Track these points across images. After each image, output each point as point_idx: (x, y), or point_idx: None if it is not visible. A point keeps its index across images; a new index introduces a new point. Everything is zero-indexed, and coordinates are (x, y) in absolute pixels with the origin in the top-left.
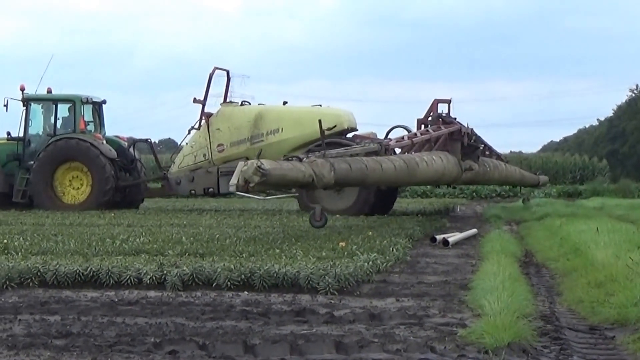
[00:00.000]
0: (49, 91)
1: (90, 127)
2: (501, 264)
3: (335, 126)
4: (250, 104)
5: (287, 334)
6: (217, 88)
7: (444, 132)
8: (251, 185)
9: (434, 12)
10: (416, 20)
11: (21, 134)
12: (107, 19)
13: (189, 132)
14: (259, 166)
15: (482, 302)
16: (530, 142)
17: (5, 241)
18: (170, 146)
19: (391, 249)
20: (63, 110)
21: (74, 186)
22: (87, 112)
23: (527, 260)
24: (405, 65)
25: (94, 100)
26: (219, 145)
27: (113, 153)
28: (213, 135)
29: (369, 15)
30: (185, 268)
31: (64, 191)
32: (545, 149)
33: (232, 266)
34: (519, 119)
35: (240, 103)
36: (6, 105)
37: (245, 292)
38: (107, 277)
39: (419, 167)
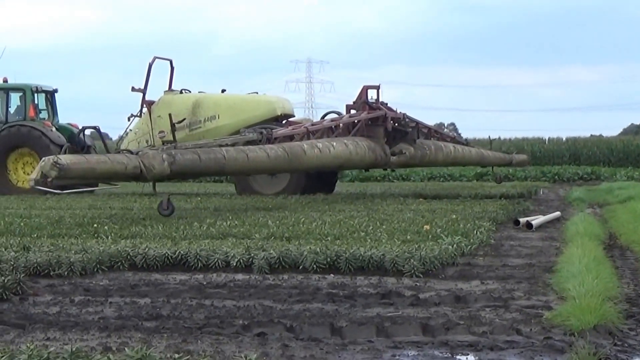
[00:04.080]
0: (5, 81)
1: (43, 114)
2: (585, 246)
3: (184, 119)
4: (190, 92)
5: (373, 316)
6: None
7: (356, 119)
8: (49, 179)
9: None
10: (495, 4)
11: None
12: (187, 7)
13: (129, 120)
14: (55, 161)
15: (567, 285)
16: (611, 126)
17: (95, 225)
18: None
19: (475, 232)
20: (15, 99)
21: (26, 171)
22: (41, 101)
23: (611, 243)
24: (484, 50)
25: (45, 89)
26: (160, 132)
27: (62, 139)
28: (155, 122)
29: (447, 1)
30: (272, 251)
31: (17, 176)
32: (626, 132)
33: (318, 249)
34: (599, 102)
35: (180, 91)
36: None
37: (331, 275)
38: (196, 260)
39: (307, 154)
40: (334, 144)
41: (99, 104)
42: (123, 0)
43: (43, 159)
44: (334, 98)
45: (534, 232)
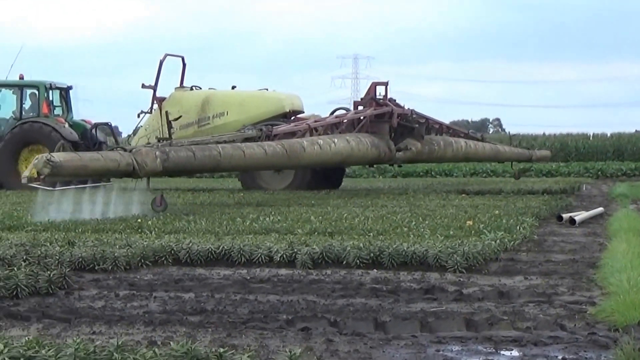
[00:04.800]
0: (21, 77)
1: (58, 111)
2: (629, 242)
3: (180, 116)
4: (201, 88)
5: (417, 311)
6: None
7: (361, 115)
8: (42, 177)
9: None
10: (541, 0)
11: None
12: (233, 2)
13: (139, 116)
14: (48, 159)
15: (611, 280)
16: None
17: (139, 220)
18: None
19: (518, 227)
20: (30, 96)
21: None
22: (55, 98)
23: None
24: (529, 46)
25: (59, 86)
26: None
27: (74, 136)
28: (165, 118)
29: None
30: (315, 246)
31: None
32: None
33: (361, 245)
34: None
35: (190, 88)
36: None
37: (375, 270)
38: (239, 255)
39: (306, 151)
40: (336, 140)
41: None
42: None
43: (37, 156)
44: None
45: (577, 228)
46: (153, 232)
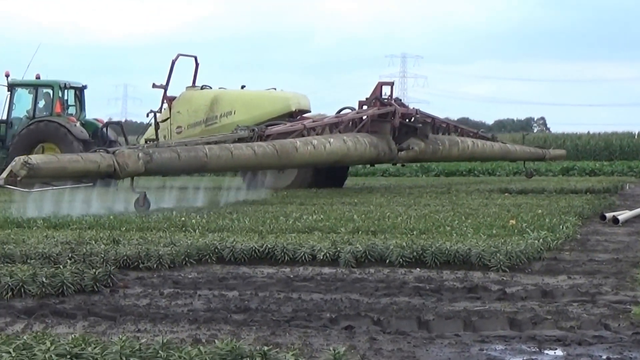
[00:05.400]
0: (38, 77)
1: (72, 110)
2: None
3: (168, 118)
4: (211, 88)
5: (460, 310)
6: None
7: (363, 115)
8: (19, 178)
9: None
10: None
11: (5, 117)
12: (285, 1)
13: (147, 116)
14: (25, 161)
15: None
16: None
17: (183, 219)
18: None
19: (561, 226)
20: (44, 95)
21: None
22: (70, 97)
23: None
24: (575, 45)
25: (73, 85)
26: (177, 127)
27: (85, 135)
28: (174, 117)
29: None
30: (358, 245)
31: None
32: None
33: (403, 243)
34: None
35: (200, 87)
36: None
37: (417, 269)
38: (282, 254)
39: (299, 151)
40: (331, 140)
41: None
42: None
43: (15, 158)
44: (426, 92)
45: (620, 227)
46: (197, 231)
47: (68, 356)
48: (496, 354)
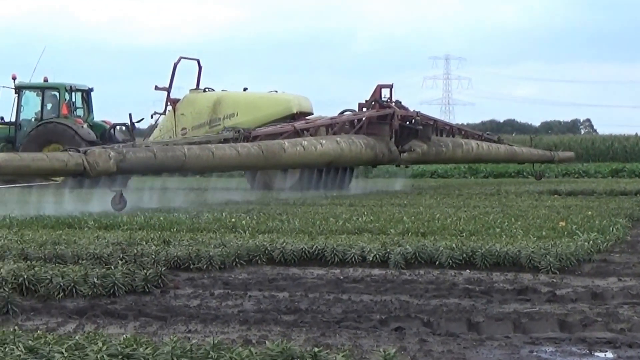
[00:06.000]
0: (45, 80)
1: (79, 112)
2: None
3: (142, 119)
4: (214, 90)
5: (510, 312)
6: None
7: (360, 116)
8: None
9: None
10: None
11: (14, 119)
12: (326, 4)
13: (152, 117)
14: None
15: None
16: None
17: (233, 220)
18: None
19: (611, 228)
20: (51, 97)
21: None
22: (78, 99)
23: None
24: (621, 46)
25: (79, 88)
26: (182, 129)
27: (92, 136)
28: (178, 119)
29: None
30: (407, 247)
31: None
32: None
33: (453, 245)
34: None
35: (203, 90)
36: None
37: (467, 271)
38: (332, 255)
39: (286, 152)
40: (323, 141)
41: None
42: None
43: None
44: (470, 94)
45: None
46: (247, 232)
47: (120, 356)
48: (546, 356)
